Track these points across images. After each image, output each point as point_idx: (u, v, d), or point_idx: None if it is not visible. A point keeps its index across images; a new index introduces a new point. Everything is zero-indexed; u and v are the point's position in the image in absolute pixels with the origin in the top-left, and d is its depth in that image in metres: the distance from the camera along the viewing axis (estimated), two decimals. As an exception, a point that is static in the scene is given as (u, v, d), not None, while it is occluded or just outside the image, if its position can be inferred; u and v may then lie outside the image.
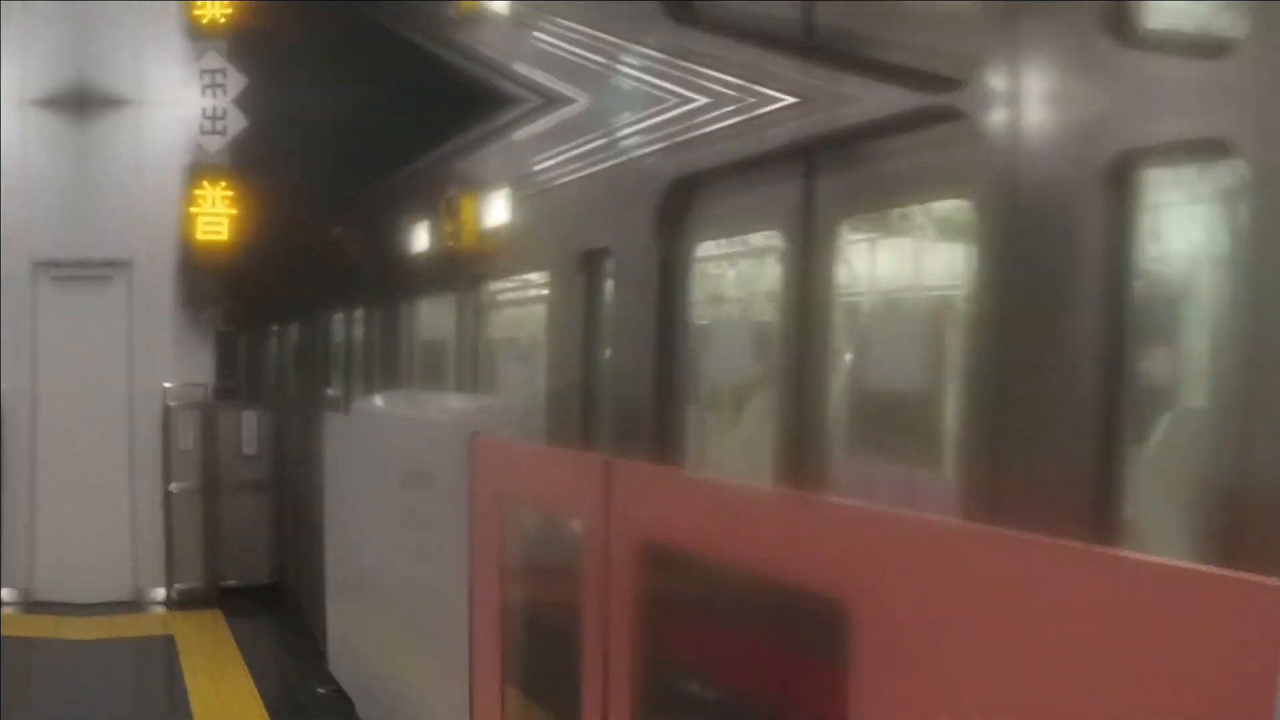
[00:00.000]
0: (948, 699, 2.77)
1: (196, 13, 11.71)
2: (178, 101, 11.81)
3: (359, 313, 11.32)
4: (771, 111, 4.44)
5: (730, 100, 4.68)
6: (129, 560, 12.11)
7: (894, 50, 3.85)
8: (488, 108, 7.40)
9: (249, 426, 12.46)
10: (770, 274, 4.66)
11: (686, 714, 4.24)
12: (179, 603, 12.06)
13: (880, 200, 4.16)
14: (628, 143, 5.58)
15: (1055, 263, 3.14)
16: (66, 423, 11.96)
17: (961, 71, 3.50)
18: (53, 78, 11.67)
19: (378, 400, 9.09)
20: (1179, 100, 2.91)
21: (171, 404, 12.28)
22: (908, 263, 4.36)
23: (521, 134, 7.06)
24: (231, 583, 12.27)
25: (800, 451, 4.30)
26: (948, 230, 3.93)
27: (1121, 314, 3.00)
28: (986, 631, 2.67)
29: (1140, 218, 3.00)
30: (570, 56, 6.27)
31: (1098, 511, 3.01)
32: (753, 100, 4.55)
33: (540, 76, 6.73)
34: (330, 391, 12.05)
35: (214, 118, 11.78)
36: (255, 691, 9.17)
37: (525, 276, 7.57)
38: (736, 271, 5.40)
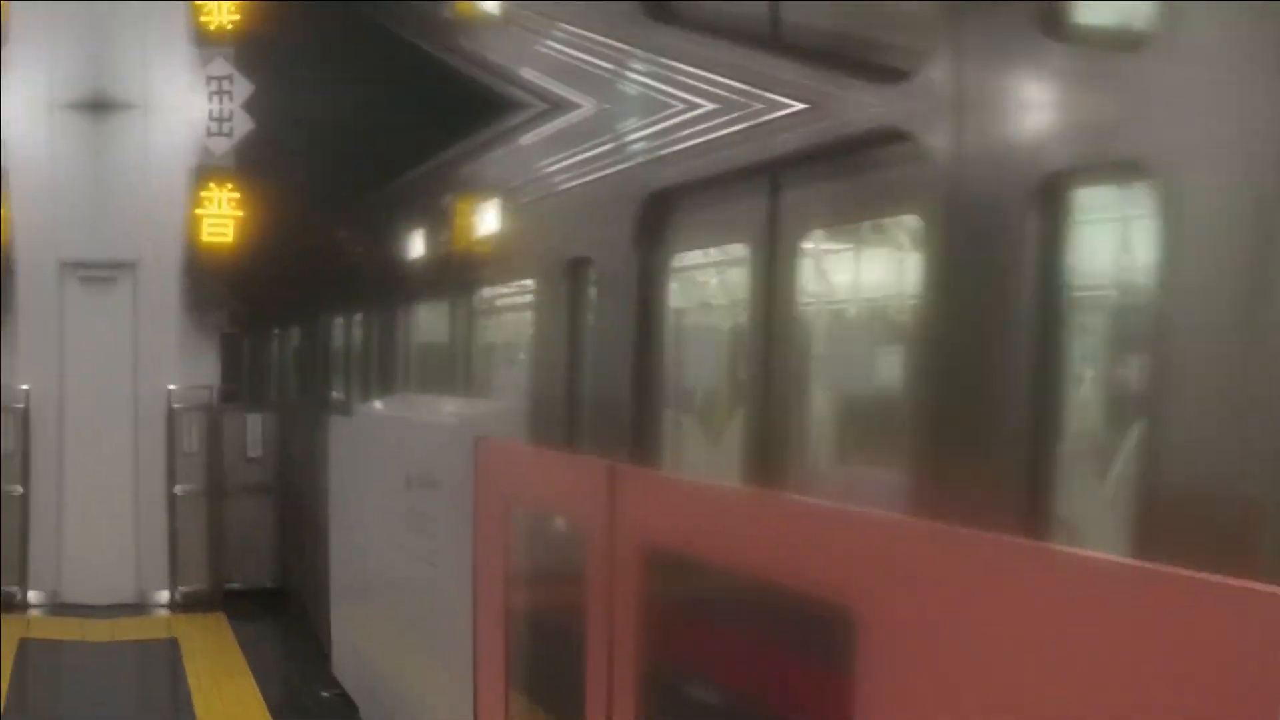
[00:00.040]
0: (952, 705, 2.77)
1: (203, 19, 11.73)
2: (185, 107, 11.85)
3: (363, 316, 11.32)
4: (740, 130, 4.54)
5: (706, 117, 4.79)
6: (133, 563, 12.12)
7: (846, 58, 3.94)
8: (489, 112, 7.41)
9: (254, 429, 12.46)
10: (741, 283, 4.74)
11: (691, 718, 4.25)
12: (183, 605, 12.07)
13: (838, 214, 4.25)
14: (613, 155, 5.68)
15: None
16: (77, 425, 11.97)
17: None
18: (67, 84, 11.71)
19: (382, 403, 9.10)
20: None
21: (176, 406, 12.28)
22: (872, 273, 4.40)
23: (527, 138, 7.08)
24: (235, 586, 12.28)
25: (768, 453, 4.34)
26: (910, 242, 3.98)
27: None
28: (991, 638, 2.67)
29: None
30: (570, 58, 6.30)
31: (1032, 510, 3.06)
32: (725, 119, 4.66)
33: (539, 79, 6.75)
34: (335, 394, 12.05)
35: (220, 119, 11.80)
36: (259, 695, 9.17)
37: (521, 282, 7.60)
38: (715, 279, 5.48)
